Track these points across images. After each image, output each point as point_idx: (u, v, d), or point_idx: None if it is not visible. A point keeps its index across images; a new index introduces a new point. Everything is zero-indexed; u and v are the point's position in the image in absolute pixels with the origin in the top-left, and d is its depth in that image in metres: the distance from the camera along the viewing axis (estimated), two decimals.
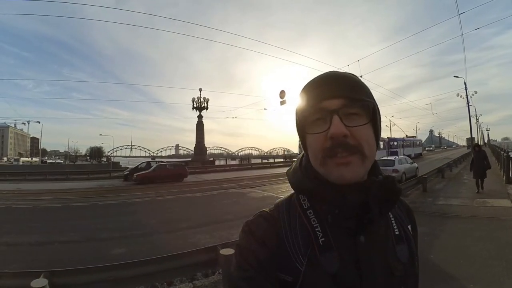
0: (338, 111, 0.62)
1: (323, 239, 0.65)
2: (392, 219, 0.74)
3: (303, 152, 0.75)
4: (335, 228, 0.66)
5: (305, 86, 0.70)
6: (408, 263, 0.70)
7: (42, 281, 3.02)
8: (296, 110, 0.71)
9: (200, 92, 37.59)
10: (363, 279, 0.63)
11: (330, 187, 0.64)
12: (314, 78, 0.70)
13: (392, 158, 16.86)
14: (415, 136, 57.77)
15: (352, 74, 0.70)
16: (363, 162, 0.63)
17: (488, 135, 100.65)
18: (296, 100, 0.72)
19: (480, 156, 11.05)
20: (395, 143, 38.29)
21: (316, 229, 0.66)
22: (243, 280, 0.64)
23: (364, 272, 0.63)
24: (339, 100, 0.63)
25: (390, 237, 0.70)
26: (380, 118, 0.70)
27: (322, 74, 0.70)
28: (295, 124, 0.72)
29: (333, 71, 0.70)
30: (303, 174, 0.71)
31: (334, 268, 0.62)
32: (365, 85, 0.69)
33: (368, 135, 0.64)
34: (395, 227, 0.73)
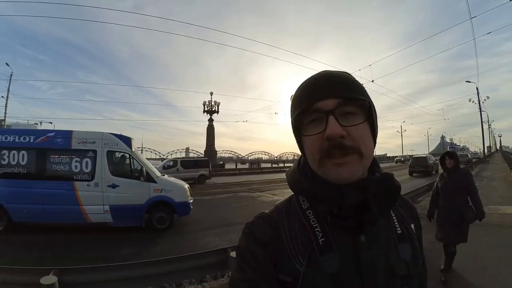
0: (333, 112, 0.61)
1: (322, 239, 0.64)
2: (394, 217, 0.73)
3: (301, 154, 0.75)
4: (335, 228, 0.65)
5: (298, 88, 0.69)
6: (412, 262, 0.68)
7: (52, 278, 3.06)
8: (291, 112, 0.70)
9: (211, 95, 37.26)
10: (364, 279, 0.62)
11: (328, 187, 0.63)
12: (307, 79, 0.69)
13: None
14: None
15: (346, 73, 0.69)
16: (360, 161, 0.62)
17: (500, 141, 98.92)
18: (291, 102, 0.71)
19: (454, 184, 4.16)
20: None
21: (316, 229, 0.66)
22: (243, 281, 0.65)
23: (365, 272, 0.62)
24: (333, 100, 0.62)
25: (392, 236, 0.69)
26: (376, 116, 0.69)
27: (315, 74, 0.68)
28: (291, 127, 0.71)
29: (326, 70, 0.68)
30: (301, 175, 0.71)
31: (334, 268, 0.61)
32: (359, 83, 0.68)
33: (365, 134, 0.64)
34: (397, 225, 0.72)
